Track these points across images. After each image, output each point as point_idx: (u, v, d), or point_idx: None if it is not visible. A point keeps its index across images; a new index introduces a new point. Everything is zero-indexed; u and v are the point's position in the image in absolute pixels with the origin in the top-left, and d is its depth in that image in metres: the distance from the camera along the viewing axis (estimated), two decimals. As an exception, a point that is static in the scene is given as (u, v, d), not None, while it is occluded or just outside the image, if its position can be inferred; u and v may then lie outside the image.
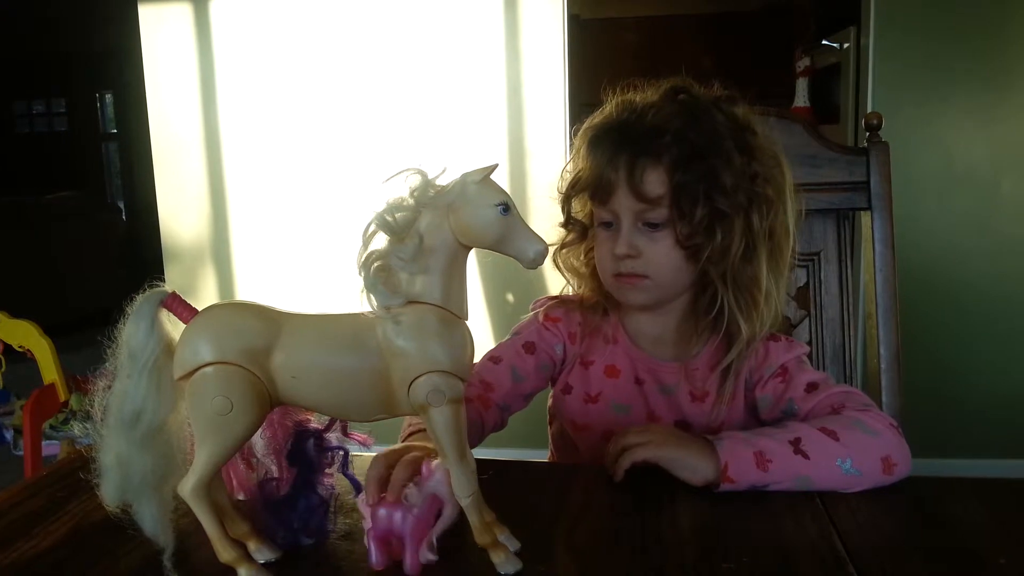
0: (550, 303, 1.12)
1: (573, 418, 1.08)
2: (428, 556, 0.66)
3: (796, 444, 0.83)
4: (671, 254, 0.96)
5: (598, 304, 1.08)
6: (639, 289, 0.98)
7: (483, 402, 1.02)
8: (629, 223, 0.96)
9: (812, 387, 0.95)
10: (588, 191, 0.99)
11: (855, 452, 0.82)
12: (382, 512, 0.67)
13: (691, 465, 0.82)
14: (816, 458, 0.82)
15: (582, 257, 1.07)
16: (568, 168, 1.05)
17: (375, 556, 0.67)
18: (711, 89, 1.01)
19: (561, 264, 1.08)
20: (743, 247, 0.95)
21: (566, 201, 1.03)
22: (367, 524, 0.68)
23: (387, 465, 0.75)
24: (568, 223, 1.04)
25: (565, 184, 1.04)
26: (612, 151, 0.96)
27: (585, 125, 1.02)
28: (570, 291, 1.13)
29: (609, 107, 1.02)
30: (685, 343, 1.03)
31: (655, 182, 0.94)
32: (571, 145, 1.06)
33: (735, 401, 1.00)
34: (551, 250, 1.06)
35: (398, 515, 0.66)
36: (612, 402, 1.05)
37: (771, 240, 0.97)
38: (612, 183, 0.95)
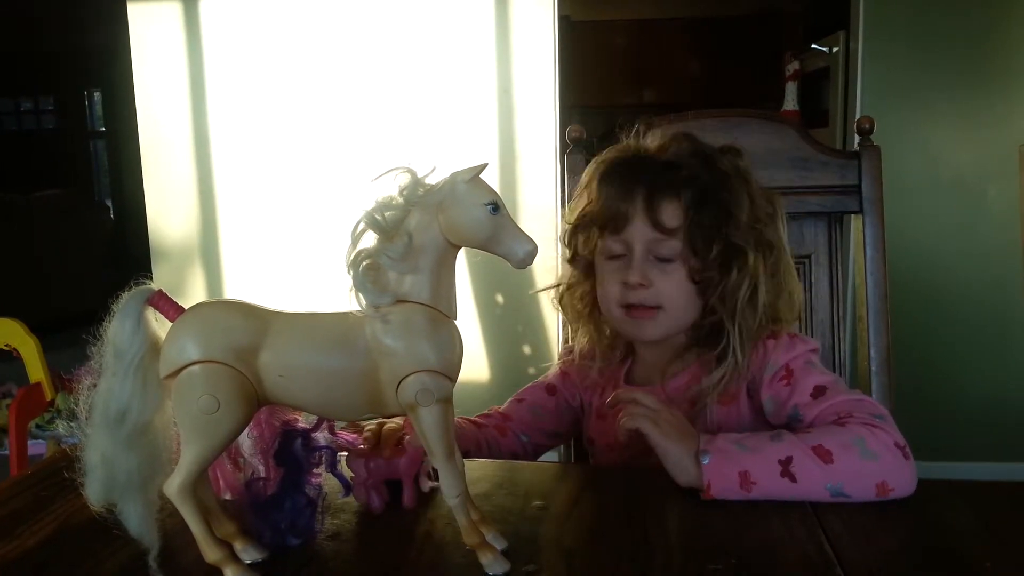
0: (569, 356, 1.13)
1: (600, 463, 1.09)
2: (429, 484, 0.78)
3: (785, 465, 0.79)
4: (683, 286, 0.98)
5: (612, 353, 1.08)
6: (652, 322, 0.99)
7: (500, 429, 1.07)
8: (641, 254, 0.97)
9: (819, 391, 0.91)
10: (599, 222, 1.00)
11: (848, 477, 0.79)
12: (378, 459, 0.78)
13: (681, 465, 0.82)
14: (804, 483, 0.79)
15: (582, 297, 1.07)
16: (572, 204, 1.05)
17: (375, 501, 0.78)
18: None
19: (565, 305, 1.09)
20: (751, 285, 0.96)
21: (573, 235, 1.04)
22: (361, 477, 0.77)
23: (373, 434, 0.84)
24: (574, 259, 1.05)
25: (570, 218, 1.05)
26: (629, 183, 0.97)
27: (597, 159, 1.04)
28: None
29: (621, 146, 1.04)
30: (671, 367, 1.03)
31: (672, 215, 0.96)
32: (563, 173, 1.08)
33: (737, 403, 0.98)
34: (552, 292, 1.09)
35: (394, 459, 0.78)
36: (605, 444, 1.06)
37: (774, 279, 0.98)
38: (627, 214, 0.97)
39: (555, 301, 1.09)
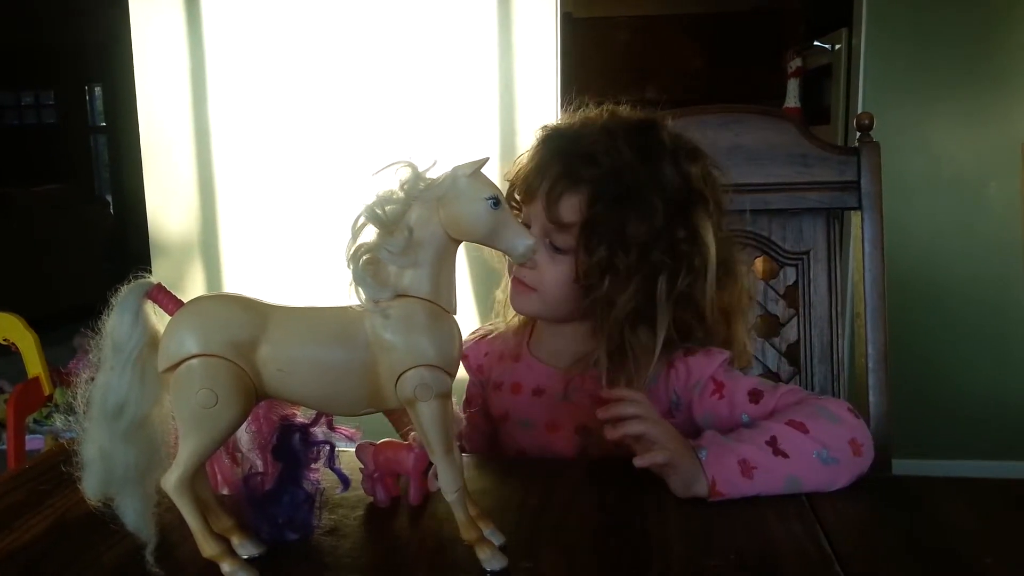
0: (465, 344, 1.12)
1: (495, 438, 1.09)
2: (436, 483, 0.76)
3: (774, 444, 0.81)
4: (564, 281, 0.95)
5: (506, 330, 1.08)
6: (526, 299, 0.99)
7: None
8: (538, 235, 0.95)
9: (755, 395, 0.91)
10: (518, 186, 0.99)
11: (827, 441, 0.81)
12: (387, 453, 0.78)
13: (686, 480, 0.79)
14: (795, 456, 0.80)
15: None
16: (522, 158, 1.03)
17: (380, 495, 0.78)
18: (684, 139, 0.98)
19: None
20: (632, 307, 0.91)
21: (510, 189, 1.02)
22: (369, 469, 0.78)
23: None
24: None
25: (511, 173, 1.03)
26: (547, 159, 0.95)
27: (548, 124, 1.03)
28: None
29: (579, 115, 1.00)
30: (586, 360, 0.98)
31: (570, 208, 0.93)
32: None
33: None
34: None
35: (402, 454, 0.78)
36: (516, 419, 1.04)
37: (683, 305, 0.93)
38: (534, 190, 0.95)
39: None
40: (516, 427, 1.04)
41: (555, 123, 1.02)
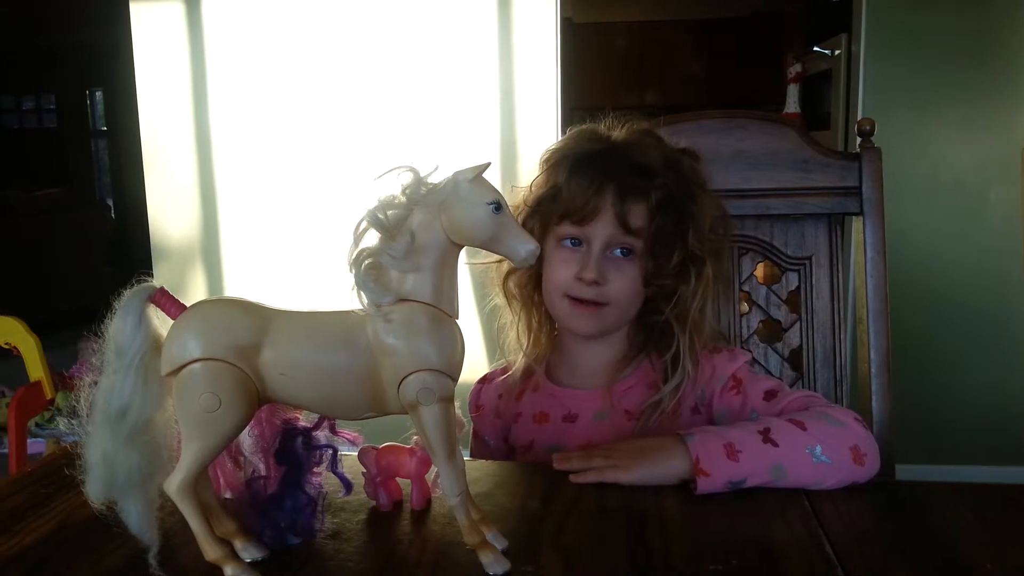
0: (473, 391, 1.14)
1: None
2: (439, 488, 0.74)
3: (765, 433, 0.83)
4: (633, 286, 0.98)
5: (518, 367, 1.08)
6: (594, 318, 0.99)
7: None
8: (599, 249, 0.97)
9: (771, 394, 0.96)
10: (562, 210, 0.98)
11: (824, 440, 0.82)
12: (390, 457, 0.78)
13: (660, 475, 0.83)
14: (785, 446, 0.82)
15: (520, 279, 1.06)
16: (531, 185, 1.04)
17: (383, 499, 0.78)
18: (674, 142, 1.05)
19: (510, 289, 1.07)
20: (704, 295, 0.98)
21: (529, 217, 1.02)
22: (371, 472, 0.78)
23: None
24: None
25: (528, 199, 1.03)
26: (601, 178, 0.96)
27: (552, 147, 1.04)
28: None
29: (576, 134, 1.04)
30: (616, 371, 1.04)
31: (639, 216, 0.96)
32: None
33: (679, 418, 0.99)
34: (496, 274, 1.08)
35: (404, 458, 0.78)
36: (543, 447, 1.04)
37: (716, 283, 1.01)
38: (596, 209, 0.96)
39: (503, 286, 1.07)
40: (542, 455, 1.04)
41: (573, 144, 1.03)
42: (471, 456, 1.13)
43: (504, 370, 1.11)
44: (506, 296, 1.07)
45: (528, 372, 1.08)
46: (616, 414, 1.01)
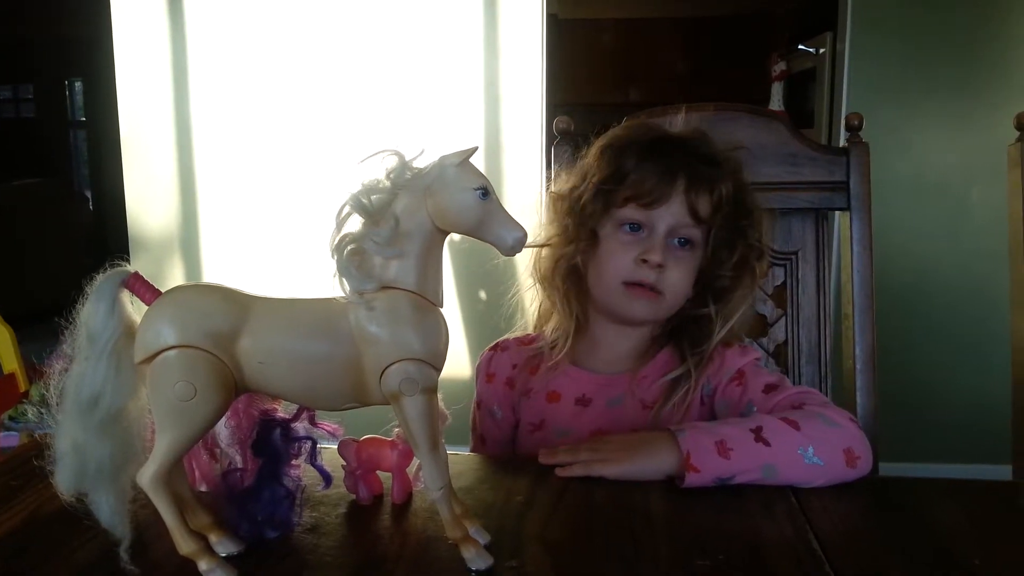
0: (484, 357, 1.12)
1: (521, 449, 1.07)
2: (420, 481, 0.75)
3: (757, 432, 0.82)
4: (689, 278, 0.99)
5: (536, 341, 1.07)
6: (650, 305, 0.98)
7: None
8: (663, 235, 0.97)
9: (770, 388, 0.95)
10: (629, 193, 0.97)
11: (817, 441, 0.82)
12: (370, 450, 0.76)
13: (648, 470, 0.82)
14: (777, 446, 0.81)
15: (558, 261, 1.03)
16: (585, 168, 1.02)
17: (363, 492, 0.76)
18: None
19: (554, 275, 1.03)
20: (753, 293, 1.01)
21: (591, 199, 0.98)
22: (351, 466, 0.76)
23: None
24: (583, 224, 0.99)
25: (567, 187, 1.01)
26: (673, 164, 0.97)
27: (611, 134, 1.02)
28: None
29: (633, 124, 1.04)
30: (640, 358, 1.04)
31: (706, 205, 0.97)
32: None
33: (690, 410, 0.99)
34: (530, 259, 1.06)
35: (385, 450, 0.76)
36: (553, 428, 1.03)
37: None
38: (667, 193, 0.96)
39: (538, 269, 1.05)
40: (552, 435, 1.03)
41: (634, 131, 1.03)
42: (472, 429, 1.12)
43: (521, 339, 1.10)
44: (539, 276, 1.06)
45: (552, 347, 1.05)
46: (631, 401, 1.00)
